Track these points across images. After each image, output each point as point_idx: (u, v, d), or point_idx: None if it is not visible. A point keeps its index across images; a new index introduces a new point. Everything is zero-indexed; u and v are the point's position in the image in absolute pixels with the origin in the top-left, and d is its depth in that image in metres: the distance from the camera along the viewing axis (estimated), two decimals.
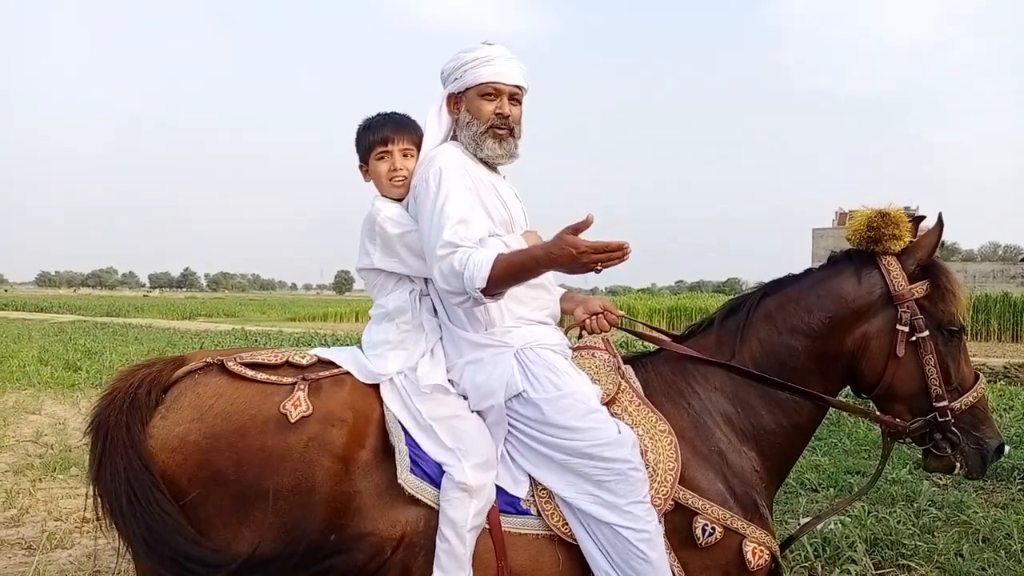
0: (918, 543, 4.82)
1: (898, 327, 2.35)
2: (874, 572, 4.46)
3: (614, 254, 2.00)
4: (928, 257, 2.39)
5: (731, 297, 2.68)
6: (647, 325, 2.70)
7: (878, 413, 2.48)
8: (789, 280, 2.53)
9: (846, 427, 8.28)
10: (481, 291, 2.08)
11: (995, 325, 27.17)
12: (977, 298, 28.10)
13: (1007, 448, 2.50)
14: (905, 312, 2.35)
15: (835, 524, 5.07)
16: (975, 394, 2.40)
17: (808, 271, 2.54)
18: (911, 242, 2.41)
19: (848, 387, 2.57)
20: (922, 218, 2.49)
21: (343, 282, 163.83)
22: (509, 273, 2.09)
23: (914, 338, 2.34)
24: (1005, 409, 9.83)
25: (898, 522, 5.18)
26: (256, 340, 20.36)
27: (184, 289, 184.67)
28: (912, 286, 2.36)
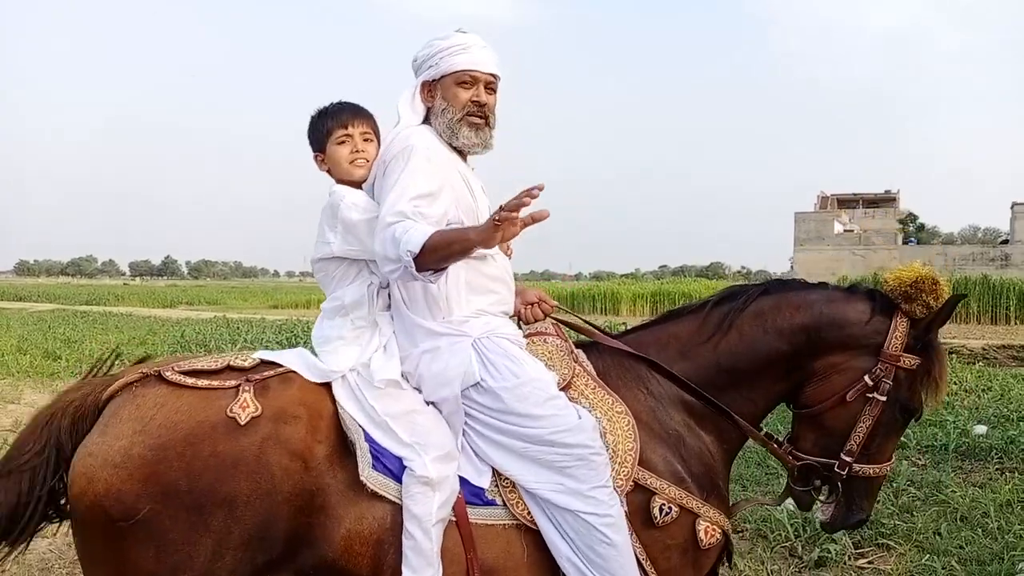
0: (897, 522, 4.89)
1: (865, 378, 2.36)
2: (853, 551, 4.52)
3: (523, 199, 1.91)
4: (929, 321, 2.37)
5: (729, 285, 2.69)
6: (580, 317, 2.68)
7: (774, 446, 2.50)
8: (796, 285, 2.52)
9: None
10: (414, 258, 2.03)
11: (975, 307, 27.40)
12: (957, 280, 28.29)
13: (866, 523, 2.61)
14: (881, 370, 2.36)
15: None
16: (878, 469, 2.43)
17: (823, 284, 2.53)
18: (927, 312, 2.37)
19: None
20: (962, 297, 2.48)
21: None
22: (443, 242, 2.04)
23: (870, 395, 2.36)
24: (984, 390, 9.97)
25: (877, 502, 5.22)
26: (238, 328, 20.23)
27: (165, 277, 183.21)
28: (904, 354, 2.35)
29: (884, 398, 2.35)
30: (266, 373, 2.16)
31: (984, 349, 14.72)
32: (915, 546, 4.56)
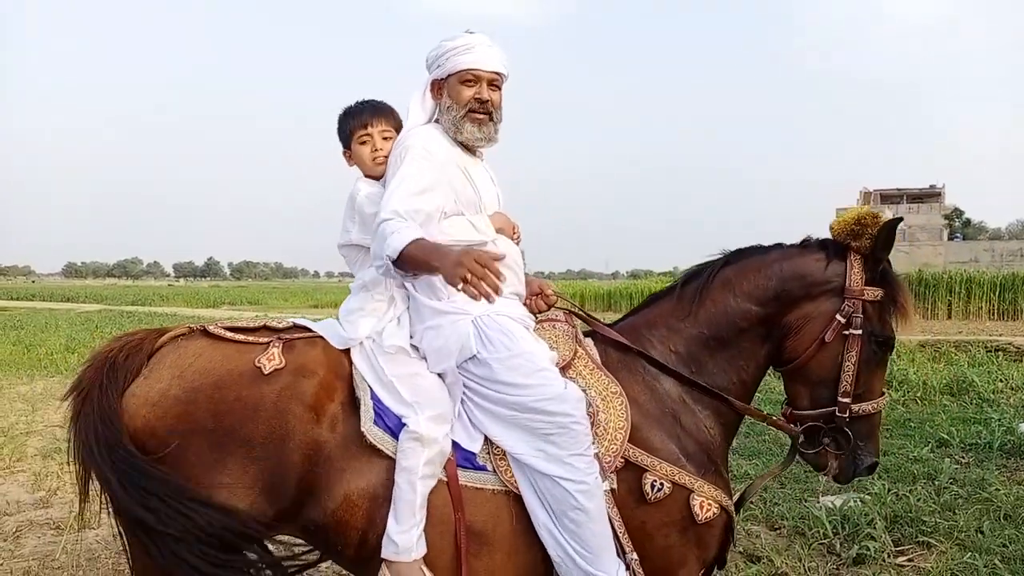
0: (938, 520, 4.82)
1: (837, 316, 2.46)
2: (893, 549, 4.46)
3: (490, 268, 2.03)
4: (873, 250, 2.46)
5: (693, 265, 2.76)
6: (578, 307, 2.82)
7: (774, 419, 2.63)
8: (753, 250, 2.63)
9: None
10: (391, 260, 2.19)
11: (1022, 304, 26.78)
12: (1004, 277, 27.73)
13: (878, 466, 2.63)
14: (849, 306, 2.46)
15: (854, 502, 5.07)
16: (875, 405, 2.51)
17: (778, 245, 2.64)
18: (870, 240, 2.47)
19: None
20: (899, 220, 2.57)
21: None
22: (416, 257, 2.15)
23: (846, 332, 2.46)
24: None
25: (918, 500, 5.17)
26: None
27: (208, 278, 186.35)
28: (866, 287, 2.46)
29: (860, 331, 2.45)
30: (296, 335, 2.40)
31: None
32: (956, 544, 4.49)
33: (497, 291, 2.03)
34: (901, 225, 2.56)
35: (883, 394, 2.56)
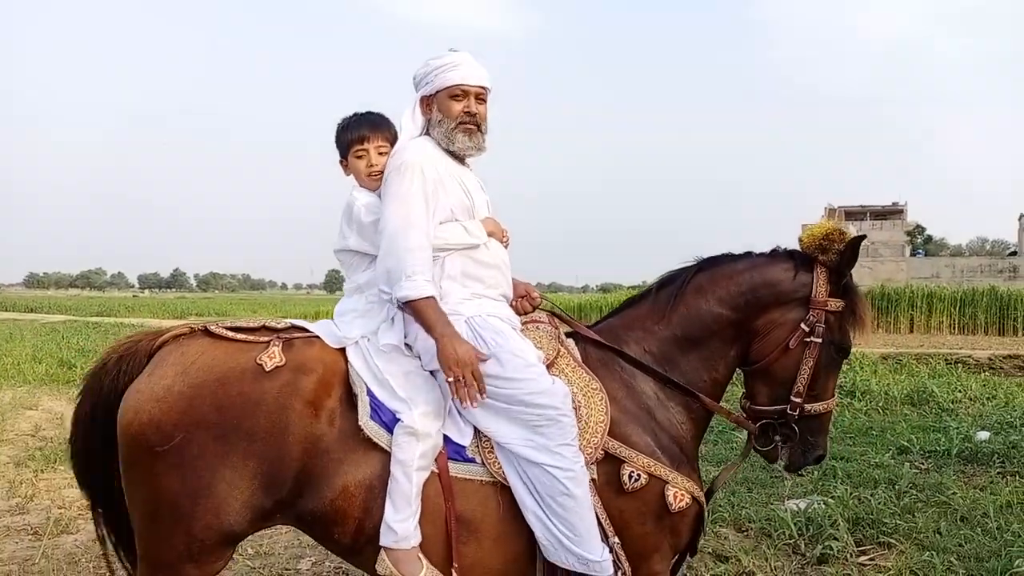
0: (898, 522, 5.01)
1: (802, 324, 2.63)
2: (855, 549, 4.63)
3: (471, 389, 2.34)
4: (839, 265, 2.63)
5: (668, 271, 2.91)
6: (561, 310, 2.96)
7: (735, 416, 2.81)
8: (725, 258, 2.79)
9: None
10: (400, 301, 2.42)
11: (982, 319, 27.41)
12: (964, 292, 28.42)
13: (824, 460, 2.88)
14: (813, 316, 2.63)
15: (818, 504, 5.25)
16: (826, 405, 2.71)
17: (748, 253, 2.80)
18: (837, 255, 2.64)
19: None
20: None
21: (333, 281, 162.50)
22: (422, 315, 2.41)
23: (808, 340, 2.63)
24: (988, 398, 10.11)
25: (879, 503, 5.36)
26: None
27: (174, 290, 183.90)
28: (829, 299, 2.63)
29: (820, 340, 2.62)
30: (295, 334, 2.53)
31: (990, 359, 14.77)
32: (915, 544, 4.68)
33: (474, 401, 2.34)
34: (865, 241, 2.72)
35: (834, 395, 2.76)
